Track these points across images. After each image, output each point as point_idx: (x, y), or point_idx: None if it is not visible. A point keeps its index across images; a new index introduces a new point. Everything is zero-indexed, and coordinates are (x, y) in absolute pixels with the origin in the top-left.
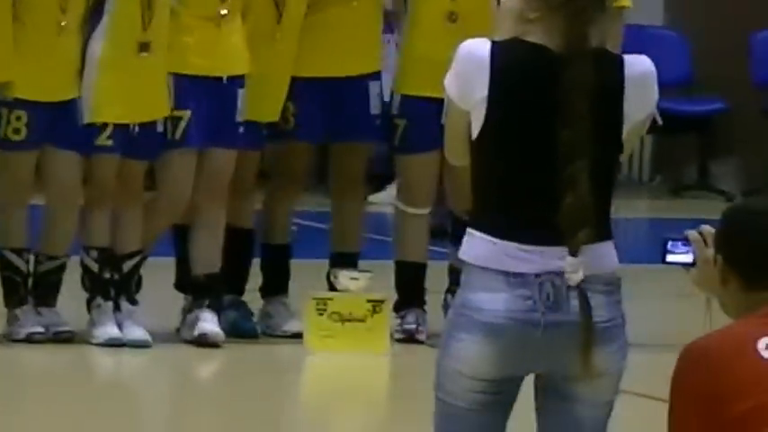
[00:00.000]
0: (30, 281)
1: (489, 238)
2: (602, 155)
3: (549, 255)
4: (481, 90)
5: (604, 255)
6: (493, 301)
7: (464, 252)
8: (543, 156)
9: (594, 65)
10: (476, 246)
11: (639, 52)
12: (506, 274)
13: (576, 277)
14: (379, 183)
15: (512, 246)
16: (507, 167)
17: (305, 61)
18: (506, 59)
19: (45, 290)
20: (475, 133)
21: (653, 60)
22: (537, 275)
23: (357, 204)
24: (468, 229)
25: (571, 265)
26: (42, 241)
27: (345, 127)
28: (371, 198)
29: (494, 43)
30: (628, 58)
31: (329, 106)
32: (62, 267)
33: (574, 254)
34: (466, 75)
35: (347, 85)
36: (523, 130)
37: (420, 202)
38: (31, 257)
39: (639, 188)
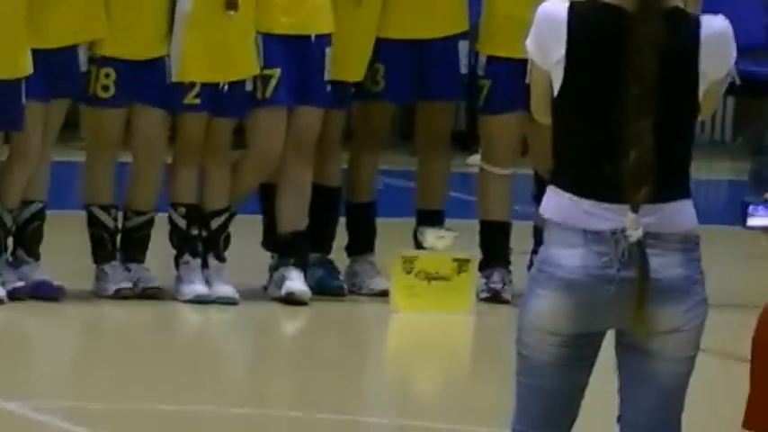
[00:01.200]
0: (118, 237)
1: (567, 195)
2: (674, 114)
3: (623, 212)
4: (559, 50)
5: (680, 212)
6: (570, 257)
7: (544, 209)
8: (617, 114)
9: (667, 24)
10: (554, 203)
11: (719, 13)
12: (584, 230)
13: (636, 234)
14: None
15: (589, 203)
16: (584, 125)
17: (393, 22)
18: (582, 20)
19: (133, 246)
20: (555, 92)
21: (733, 22)
22: (613, 232)
23: (443, 162)
24: (549, 187)
25: (632, 222)
26: (129, 197)
27: (434, 86)
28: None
29: (571, 4)
30: (704, 18)
31: (418, 67)
32: (150, 223)
33: (635, 210)
34: (544, 36)
35: (436, 45)
36: (598, 88)
37: (504, 161)
38: (120, 214)
39: (721, 149)
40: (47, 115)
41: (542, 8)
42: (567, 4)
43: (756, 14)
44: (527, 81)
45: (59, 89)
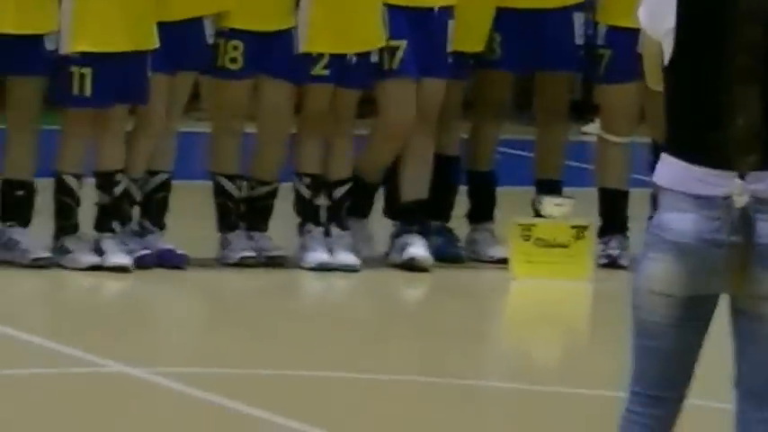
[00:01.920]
0: (242, 206)
1: (679, 161)
2: None
3: (731, 178)
4: (669, 20)
5: None
6: (682, 221)
7: (657, 175)
8: (725, 82)
9: None
10: (667, 169)
11: None
12: (695, 196)
13: (741, 200)
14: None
15: (699, 169)
16: (693, 94)
17: None
18: None
19: (257, 215)
20: (666, 60)
21: None
22: (724, 198)
23: (560, 133)
24: (662, 154)
25: (739, 188)
26: (254, 167)
27: (550, 57)
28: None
29: None
30: None
31: (534, 37)
32: (273, 193)
33: (742, 177)
34: (655, 6)
35: (552, 15)
36: (707, 57)
37: (622, 130)
38: (244, 184)
39: None
40: (172, 88)
41: None
42: None
43: None
44: (638, 50)
45: (186, 62)
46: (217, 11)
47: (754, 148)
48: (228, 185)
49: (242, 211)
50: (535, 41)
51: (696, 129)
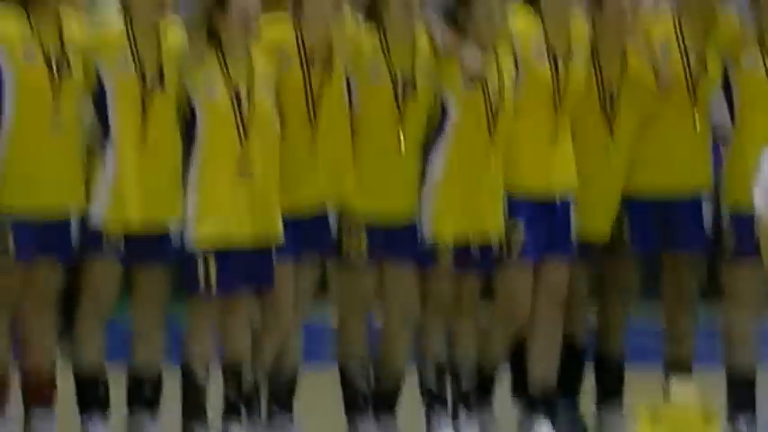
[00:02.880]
0: (369, 391)
1: None
2: None
3: None
4: None
5: None
6: None
7: None
8: None
9: None
10: None
11: None
12: None
13: None
14: None
15: None
16: None
17: (638, 176)
18: None
19: (384, 400)
20: None
21: None
22: None
23: (690, 315)
24: None
25: None
26: (381, 353)
27: (679, 240)
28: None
29: None
30: None
31: (662, 220)
32: (400, 379)
33: None
34: None
35: (681, 199)
36: None
37: (750, 308)
38: (371, 370)
39: None
40: (298, 277)
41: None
42: None
43: None
44: (755, 233)
45: (310, 251)
46: (341, 202)
47: None
48: (356, 372)
49: (369, 396)
50: (664, 225)
51: None
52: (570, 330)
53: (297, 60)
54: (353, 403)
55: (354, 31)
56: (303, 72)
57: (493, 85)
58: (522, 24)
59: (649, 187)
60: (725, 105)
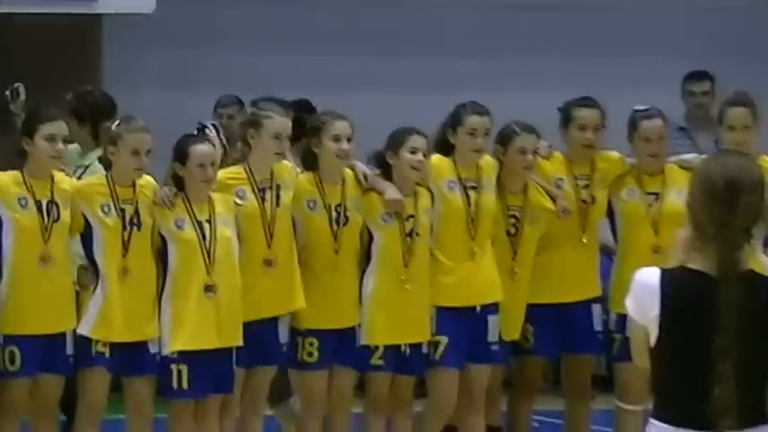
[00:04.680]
0: None
1: (664, 425)
2: (754, 357)
3: None
4: (653, 310)
5: None
6: None
7: None
8: (704, 359)
9: (745, 286)
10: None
11: None
12: None
13: None
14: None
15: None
16: (677, 368)
17: (540, 290)
18: (672, 285)
19: None
20: (652, 342)
21: None
22: None
23: (585, 406)
24: (650, 419)
25: None
26: None
27: (575, 342)
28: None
29: (663, 271)
30: None
31: (560, 326)
32: None
33: None
34: (641, 298)
35: (575, 307)
36: (689, 338)
37: (637, 400)
38: None
39: None
40: (254, 381)
41: (639, 273)
42: (659, 271)
43: None
44: (627, 334)
45: (263, 358)
46: (292, 310)
47: (731, 412)
48: None
49: None
50: (562, 330)
51: (681, 397)
52: (488, 419)
53: (251, 191)
54: None
55: (294, 174)
56: (257, 200)
57: (408, 214)
58: (436, 160)
59: (549, 298)
60: (609, 227)
